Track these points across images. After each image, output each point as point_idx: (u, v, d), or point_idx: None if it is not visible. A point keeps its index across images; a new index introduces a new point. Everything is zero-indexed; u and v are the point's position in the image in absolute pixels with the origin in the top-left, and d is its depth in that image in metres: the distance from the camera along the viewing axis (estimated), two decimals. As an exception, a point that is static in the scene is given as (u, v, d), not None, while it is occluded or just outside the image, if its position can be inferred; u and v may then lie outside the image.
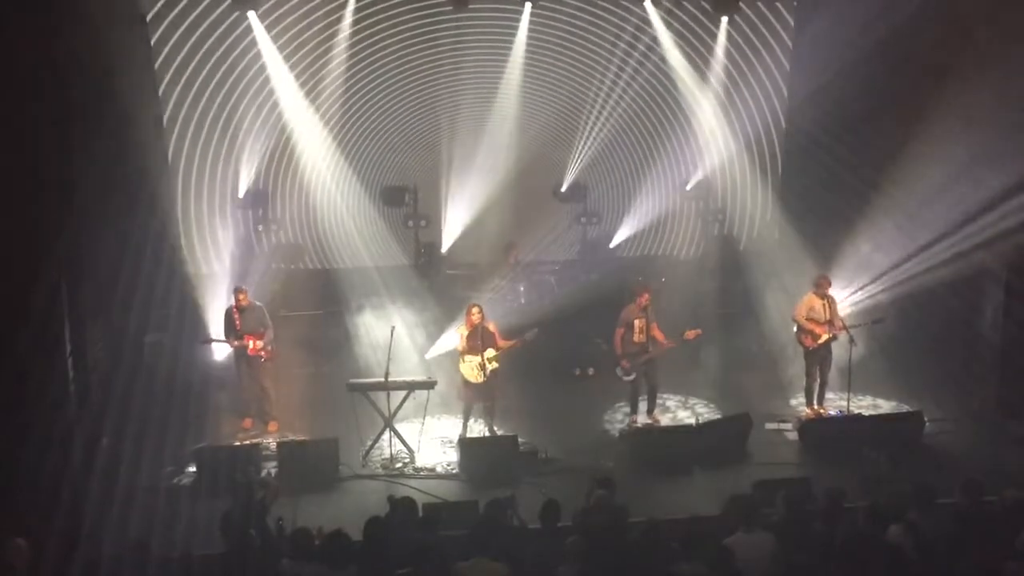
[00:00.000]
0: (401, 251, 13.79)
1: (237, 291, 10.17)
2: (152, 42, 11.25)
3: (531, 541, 6.49)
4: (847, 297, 11.22)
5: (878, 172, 11.31)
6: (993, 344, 10.55)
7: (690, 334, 10.10)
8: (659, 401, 10.64)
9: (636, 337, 9.94)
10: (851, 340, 9.92)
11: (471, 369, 9.68)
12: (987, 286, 10.73)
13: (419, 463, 9.37)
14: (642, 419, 10.33)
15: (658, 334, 10.02)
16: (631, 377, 10.00)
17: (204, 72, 11.90)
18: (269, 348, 10.20)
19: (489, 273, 12.99)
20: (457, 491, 8.78)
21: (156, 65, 11.45)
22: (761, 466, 9.07)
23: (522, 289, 12.89)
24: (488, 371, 9.66)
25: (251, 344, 10.06)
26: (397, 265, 13.28)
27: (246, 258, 12.77)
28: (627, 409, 10.45)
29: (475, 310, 9.74)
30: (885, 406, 10.64)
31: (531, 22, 12.61)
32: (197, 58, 11.74)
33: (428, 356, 11.18)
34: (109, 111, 9.36)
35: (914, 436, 9.55)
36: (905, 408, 10.36)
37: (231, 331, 10.13)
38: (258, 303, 10.34)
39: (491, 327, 9.79)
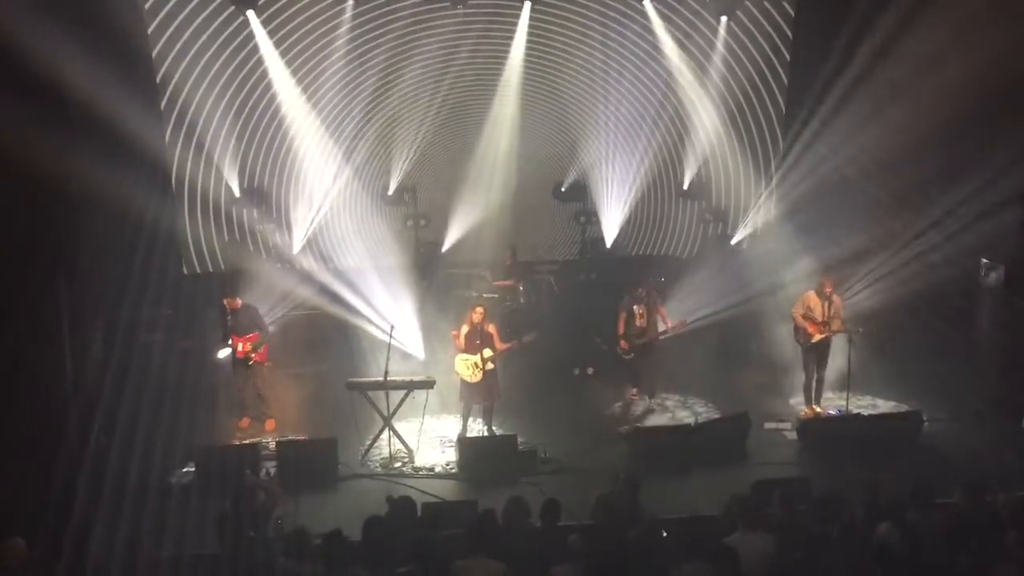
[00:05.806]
0: (400, 250, 13.78)
1: (228, 294, 10.10)
2: (153, 55, 11.28)
3: (530, 540, 6.48)
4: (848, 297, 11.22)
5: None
6: (993, 343, 10.54)
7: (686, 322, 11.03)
8: (658, 401, 10.93)
9: (638, 321, 10.77)
10: (849, 340, 9.93)
11: (467, 367, 9.67)
12: (987, 284, 10.73)
13: (418, 463, 9.36)
14: (643, 404, 10.88)
15: (663, 318, 10.84)
16: (630, 356, 10.81)
17: (209, 74, 11.88)
18: (261, 351, 10.13)
19: (488, 273, 12.98)
20: (456, 491, 8.78)
21: (158, 78, 11.47)
22: (760, 466, 9.07)
23: (521, 288, 12.89)
24: (483, 370, 9.67)
25: (239, 347, 10.00)
26: (396, 264, 13.25)
27: (242, 258, 12.75)
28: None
29: (479, 310, 9.77)
30: (884, 406, 10.63)
31: (530, 20, 12.61)
32: (201, 64, 11.73)
33: (424, 357, 11.19)
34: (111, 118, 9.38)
35: (913, 436, 9.56)
36: (904, 408, 10.36)
37: (222, 333, 10.10)
38: (252, 304, 10.26)
39: (491, 328, 9.80)
